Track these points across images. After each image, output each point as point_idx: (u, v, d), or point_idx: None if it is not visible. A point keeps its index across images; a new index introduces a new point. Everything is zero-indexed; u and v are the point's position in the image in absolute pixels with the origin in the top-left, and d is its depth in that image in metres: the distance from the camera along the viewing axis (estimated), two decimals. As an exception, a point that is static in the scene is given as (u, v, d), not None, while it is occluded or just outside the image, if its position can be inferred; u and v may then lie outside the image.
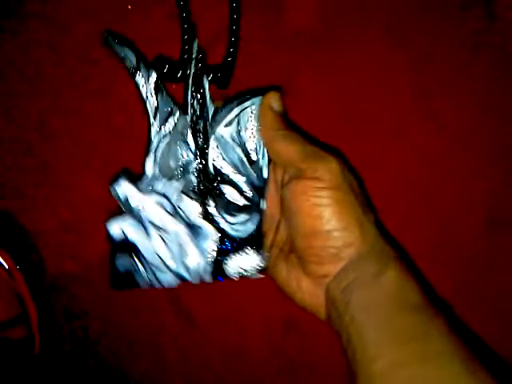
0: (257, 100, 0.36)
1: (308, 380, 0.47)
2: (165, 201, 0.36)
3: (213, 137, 0.36)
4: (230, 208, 0.37)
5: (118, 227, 0.36)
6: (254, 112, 0.36)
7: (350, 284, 0.32)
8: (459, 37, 0.42)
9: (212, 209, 0.37)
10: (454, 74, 0.43)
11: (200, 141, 0.37)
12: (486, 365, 0.29)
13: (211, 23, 0.40)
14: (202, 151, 0.37)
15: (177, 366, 0.47)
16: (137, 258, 0.36)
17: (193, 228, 0.37)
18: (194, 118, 0.36)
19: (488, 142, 0.43)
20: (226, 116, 0.36)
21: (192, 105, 0.36)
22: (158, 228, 0.36)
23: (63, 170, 0.45)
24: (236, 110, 0.36)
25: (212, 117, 0.36)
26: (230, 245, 0.37)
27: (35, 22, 0.43)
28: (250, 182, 0.37)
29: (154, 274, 0.36)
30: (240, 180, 0.37)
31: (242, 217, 0.37)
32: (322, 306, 0.34)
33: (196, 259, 0.37)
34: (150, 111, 0.36)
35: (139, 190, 0.36)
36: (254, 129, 0.36)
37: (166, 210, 0.36)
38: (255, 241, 0.37)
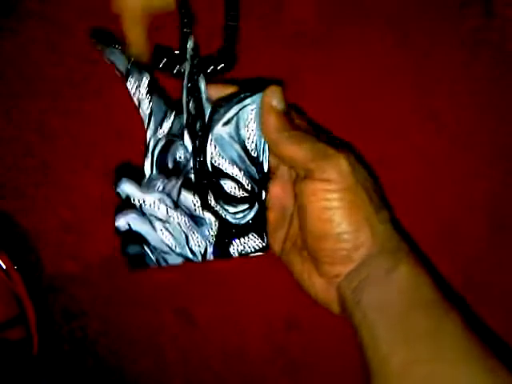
0: (257, 98, 0.35)
1: (309, 380, 0.47)
2: (166, 198, 0.37)
3: (210, 136, 0.36)
4: (230, 199, 0.37)
5: (125, 221, 0.37)
6: (255, 110, 0.36)
7: (361, 282, 0.32)
8: (459, 35, 0.43)
9: (211, 201, 0.37)
10: (453, 73, 0.43)
11: (197, 140, 0.37)
12: (504, 362, 0.29)
13: (211, 19, 0.40)
14: (199, 150, 0.37)
15: (177, 366, 0.47)
16: (146, 245, 0.37)
17: (194, 219, 0.37)
18: (190, 119, 0.36)
19: (488, 142, 0.44)
20: (224, 115, 0.36)
21: (187, 105, 0.36)
22: (161, 221, 0.37)
23: (63, 170, 0.46)
24: (235, 109, 0.36)
25: (210, 116, 0.36)
26: (231, 231, 0.38)
27: (35, 21, 0.44)
28: (249, 176, 0.37)
29: (162, 257, 0.38)
30: (239, 174, 0.37)
31: (242, 206, 0.37)
32: (334, 301, 0.35)
33: (199, 244, 0.37)
34: (144, 114, 0.37)
35: (140, 189, 0.37)
36: (254, 127, 0.36)
37: (168, 206, 0.37)
38: (256, 225, 0.37)
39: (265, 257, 0.44)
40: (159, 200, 0.37)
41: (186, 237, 0.37)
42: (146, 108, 0.37)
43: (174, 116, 0.37)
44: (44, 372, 0.45)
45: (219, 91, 0.36)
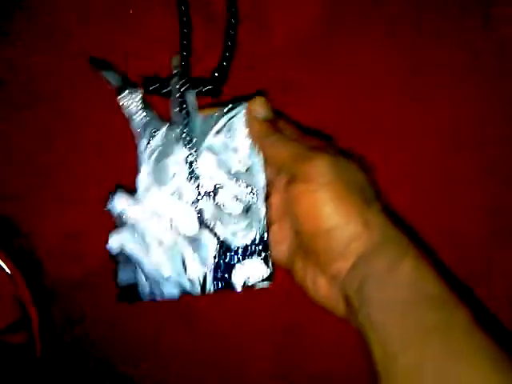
0: (244, 106, 0.36)
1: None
2: (160, 213, 0.36)
3: (202, 147, 0.37)
4: (228, 216, 0.37)
5: (118, 242, 0.36)
6: (242, 119, 0.36)
7: (364, 279, 0.31)
8: (459, 38, 0.43)
9: (209, 219, 0.37)
10: (454, 75, 0.43)
11: (190, 152, 0.37)
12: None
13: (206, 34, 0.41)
14: (192, 162, 0.37)
15: (178, 371, 0.47)
16: (138, 270, 0.36)
17: (191, 239, 0.36)
18: (182, 132, 0.37)
19: (488, 143, 0.43)
20: (214, 126, 0.37)
21: (178, 119, 0.37)
22: (156, 239, 0.36)
23: (65, 175, 0.46)
24: (224, 119, 0.37)
25: (201, 127, 0.37)
26: (232, 254, 0.37)
27: (36, 25, 0.44)
28: (246, 187, 0.37)
29: (158, 286, 0.36)
30: (235, 186, 0.37)
31: (243, 223, 0.37)
32: (338, 303, 0.34)
33: (197, 270, 0.36)
34: (136, 127, 0.37)
35: (134, 203, 0.36)
36: (244, 135, 0.36)
37: (163, 223, 0.36)
38: (259, 247, 0.37)
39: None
40: (153, 215, 0.36)
41: (183, 260, 0.36)
42: (138, 121, 0.37)
43: (166, 129, 0.37)
44: (46, 376, 0.45)
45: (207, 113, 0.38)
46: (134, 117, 0.37)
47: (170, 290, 0.36)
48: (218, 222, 0.37)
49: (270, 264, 0.37)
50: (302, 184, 0.33)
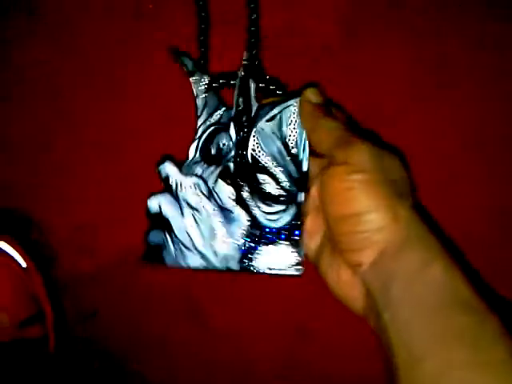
0: (298, 98, 0.38)
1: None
2: (201, 183, 0.38)
3: (254, 129, 0.38)
4: (266, 197, 0.37)
5: (157, 202, 0.38)
6: (296, 109, 0.38)
7: (390, 278, 0.30)
8: (478, 36, 0.43)
9: (246, 195, 0.38)
10: (472, 75, 0.43)
11: (241, 132, 0.39)
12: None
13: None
14: (242, 141, 0.38)
15: (187, 370, 0.47)
16: (168, 234, 0.37)
17: (225, 212, 0.37)
18: (238, 113, 0.39)
19: (492, 143, 0.43)
20: (268, 112, 0.38)
21: (237, 101, 0.39)
22: (191, 207, 0.37)
23: (79, 168, 0.46)
24: (279, 107, 0.38)
25: (255, 111, 0.39)
26: (262, 235, 0.37)
27: (48, 20, 0.45)
28: (288, 174, 0.37)
29: (182, 253, 0.37)
30: (278, 171, 0.38)
31: (277, 207, 0.37)
32: (358, 298, 0.33)
33: (225, 243, 0.37)
34: (199, 105, 0.40)
35: (180, 171, 0.38)
36: (295, 124, 0.38)
37: (202, 192, 0.38)
38: (291, 234, 0.37)
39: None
40: (195, 185, 0.38)
41: (213, 233, 0.37)
42: (201, 99, 0.40)
43: (224, 110, 0.39)
44: (60, 371, 0.45)
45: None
46: (199, 95, 0.40)
47: (195, 261, 0.37)
48: (255, 201, 0.37)
49: (302, 252, 0.36)
50: (338, 166, 0.33)
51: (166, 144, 0.41)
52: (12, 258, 0.43)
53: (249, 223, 0.37)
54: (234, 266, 0.37)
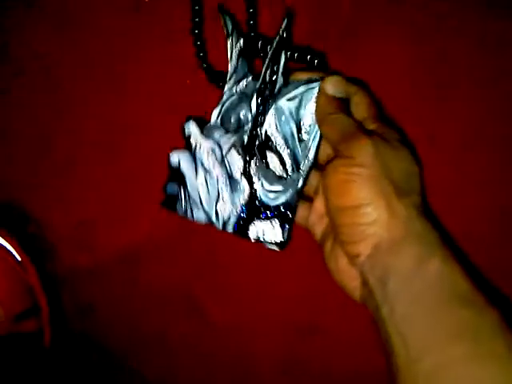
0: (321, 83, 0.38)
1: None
2: (217, 149, 0.40)
3: (273, 106, 0.39)
4: (269, 175, 0.39)
5: (177, 157, 0.41)
6: (315, 94, 0.38)
7: (387, 272, 0.31)
8: (479, 35, 0.42)
9: (253, 169, 0.39)
10: (474, 74, 0.42)
11: (261, 106, 0.39)
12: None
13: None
14: (259, 116, 0.39)
15: (186, 365, 0.47)
16: (183, 188, 0.41)
17: (232, 180, 0.40)
18: (263, 86, 0.39)
19: (500, 143, 0.43)
20: (290, 91, 0.38)
21: (264, 73, 0.39)
22: (204, 169, 0.40)
23: (78, 164, 0.47)
24: (301, 88, 0.38)
25: (279, 87, 0.39)
26: (259, 209, 0.39)
27: (47, 12, 0.45)
28: (293, 158, 0.38)
29: (190, 207, 0.40)
30: (285, 153, 0.39)
31: (277, 187, 0.39)
32: (357, 288, 0.34)
33: (226, 207, 0.40)
34: (229, 69, 0.40)
35: (201, 132, 0.41)
36: (311, 110, 0.38)
37: (216, 156, 0.40)
38: (283, 214, 0.39)
39: (283, 259, 0.44)
40: (211, 149, 0.40)
41: (218, 195, 0.40)
42: (233, 64, 0.40)
43: (251, 79, 0.40)
44: (55, 365, 0.45)
45: (300, 77, 0.39)
46: (232, 59, 0.40)
47: (200, 216, 0.40)
48: (258, 176, 0.39)
49: (287, 233, 0.39)
50: (341, 159, 0.33)
51: (166, 141, 0.41)
52: (7, 251, 0.43)
53: (249, 195, 0.39)
54: (230, 229, 0.40)
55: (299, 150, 0.38)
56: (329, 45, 0.42)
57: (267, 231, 0.39)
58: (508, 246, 0.41)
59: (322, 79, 0.37)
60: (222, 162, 0.40)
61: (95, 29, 0.45)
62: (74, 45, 0.45)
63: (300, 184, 0.38)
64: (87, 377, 0.47)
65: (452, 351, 0.27)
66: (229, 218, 0.40)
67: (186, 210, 0.40)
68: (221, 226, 0.40)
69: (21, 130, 0.45)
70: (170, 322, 0.46)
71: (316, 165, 0.38)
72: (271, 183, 0.39)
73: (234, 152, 0.40)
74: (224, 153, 0.40)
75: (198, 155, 0.40)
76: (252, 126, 0.39)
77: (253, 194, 0.39)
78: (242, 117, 0.40)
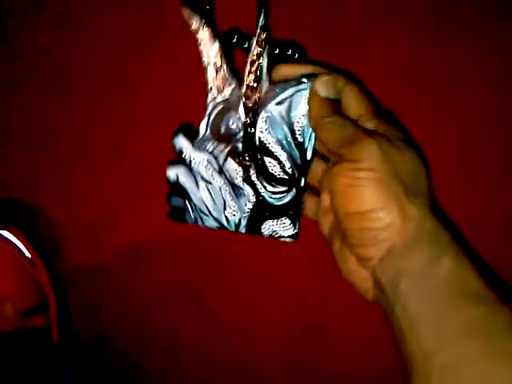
0: (311, 83, 0.36)
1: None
2: (213, 160, 0.40)
3: (263, 111, 0.38)
4: (270, 177, 0.39)
5: (174, 172, 0.40)
6: (306, 95, 0.37)
7: (400, 272, 0.31)
8: (488, 36, 0.41)
9: (253, 175, 0.39)
10: (483, 73, 0.41)
11: (250, 113, 0.38)
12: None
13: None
14: (250, 123, 0.39)
15: (192, 364, 0.47)
16: (187, 200, 0.41)
17: (235, 187, 0.40)
18: (248, 92, 0.38)
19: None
20: (279, 94, 0.37)
21: (248, 79, 0.38)
22: (204, 180, 0.40)
23: (89, 164, 0.46)
24: (290, 91, 0.37)
25: (265, 92, 0.38)
26: (265, 209, 0.40)
27: (63, 13, 0.44)
28: (291, 160, 0.38)
29: (200, 216, 0.41)
30: (283, 156, 0.38)
31: (280, 188, 0.39)
32: (369, 288, 0.34)
33: (234, 213, 0.40)
34: (209, 76, 0.39)
35: (193, 145, 0.40)
36: (304, 111, 0.37)
37: (213, 168, 0.40)
38: (290, 213, 0.39)
39: (289, 259, 0.43)
40: (207, 160, 0.40)
41: (224, 203, 0.40)
42: (211, 71, 0.38)
43: (235, 85, 0.39)
44: (63, 362, 0.45)
45: (285, 71, 0.38)
46: (209, 67, 0.38)
47: (211, 223, 0.41)
48: (261, 181, 0.39)
49: (298, 225, 0.40)
50: (347, 163, 0.32)
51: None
52: (17, 248, 0.44)
53: (255, 199, 0.39)
54: (243, 230, 0.40)
55: (296, 151, 0.38)
56: (333, 47, 0.42)
57: (279, 228, 0.40)
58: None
59: (309, 80, 0.36)
60: (221, 171, 0.39)
61: (101, 27, 0.44)
62: (79, 43, 0.44)
63: (302, 183, 0.38)
64: (94, 374, 0.47)
65: (464, 349, 0.27)
66: (239, 222, 0.40)
67: (195, 219, 0.40)
68: (234, 228, 0.40)
69: (30, 129, 0.45)
70: (176, 321, 0.46)
71: (315, 154, 0.38)
72: (274, 185, 0.39)
73: (230, 161, 0.39)
74: (221, 163, 0.39)
75: (194, 168, 0.40)
76: (244, 133, 0.39)
77: (258, 197, 0.39)
78: (231, 126, 0.39)
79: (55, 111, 0.45)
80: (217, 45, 0.38)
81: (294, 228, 0.39)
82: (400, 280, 0.30)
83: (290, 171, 0.38)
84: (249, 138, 0.39)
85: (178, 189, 0.40)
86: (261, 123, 0.38)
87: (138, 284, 0.46)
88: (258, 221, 0.40)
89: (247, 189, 0.39)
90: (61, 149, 0.45)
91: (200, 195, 0.40)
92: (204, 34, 0.37)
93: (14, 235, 0.44)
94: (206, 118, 0.39)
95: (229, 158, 0.39)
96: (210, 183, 0.40)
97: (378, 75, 0.42)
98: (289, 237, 0.39)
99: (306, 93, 0.36)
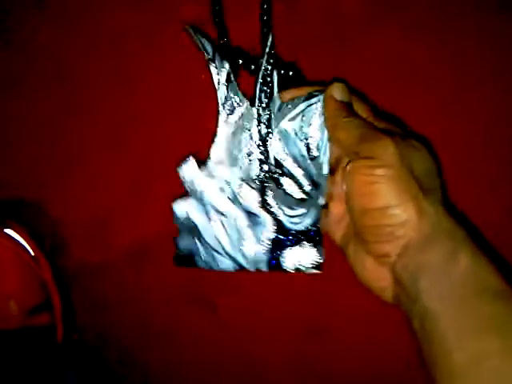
0: (322, 97, 0.36)
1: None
2: (226, 187, 0.38)
3: (276, 130, 0.38)
4: (288, 200, 0.38)
5: (183, 208, 0.38)
6: (319, 109, 0.37)
7: (418, 270, 0.31)
8: (491, 31, 0.41)
9: (270, 199, 0.38)
10: (485, 68, 0.41)
11: (263, 132, 0.38)
12: None
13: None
14: (264, 143, 0.38)
15: (195, 361, 0.48)
16: (198, 239, 0.38)
17: (251, 215, 0.38)
18: (260, 110, 0.38)
19: None
20: (291, 110, 0.37)
21: (260, 97, 0.38)
22: (218, 212, 0.38)
23: (94, 161, 0.45)
24: (302, 106, 0.37)
25: (277, 110, 0.38)
26: (286, 237, 0.38)
27: (65, 9, 0.44)
28: (309, 177, 0.38)
29: (213, 257, 0.38)
30: (299, 174, 0.38)
31: (300, 210, 0.38)
32: (387, 287, 0.34)
33: (252, 246, 0.38)
34: (219, 100, 0.38)
35: (204, 173, 0.38)
36: (318, 125, 0.37)
37: (227, 196, 0.38)
38: (312, 236, 0.38)
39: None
40: (220, 189, 0.38)
41: (240, 237, 0.38)
42: (221, 93, 0.38)
43: (246, 106, 0.38)
44: (67, 360, 0.46)
45: (292, 94, 0.38)
46: (219, 88, 0.38)
47: (226, 264, 0.39)
48: (278, 204, 0.38)
49: (322, 252, 0.38)
50: (362, 160, 0.32)
51: (179, 136, 0.41)
52: (21, 245, 0.43)
53: (274, 226, 0.38)
54: (264, 267, 0.38)
55: (312, 167, 0.37)
56: (334, 46, 0.42)
57: (302, 257, 0.38)
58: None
59: (320, 94, 0.36)
60: (235, 199, 0.38)
61: (101, 27, 0.43)
62: (79, 43, 0.44)
63: (321, 201, 0.37)
64: (97, 372, 0.48)
65: (484, 347, 0.27)
66: (259, 257, 0.38)
67: (208, 262, 0.38)
68: (254, 268, 0.38)
69: (32, 128, 0.45)
70: (178, 319, 0.46)
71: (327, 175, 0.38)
72: (293, 208, 0.38)
73: (245, 186, 0.38)
74: (235, 189, 0.38)
75: (205, 199, 0.38)
76: (259, 154, 0.38)
77: (277, 224, 0.38)
78: (245, 148, 0.38)
79: (56, 110, 0.44)
80: (227, 65, 0.38)
81: (319, 255, 0.38)
82: (420, 276, 0.30)
83: (308, 190, 0.38)
84: (264, 158, 0.38)
85: (187, 227, 0.38)
86: (275, 143, 0.38)
87: (141, 282, 0.46)
88: (278, 253, 0.38)
89: (264, 215, 0.38)
90: (63, 147, 0.45)
91: (212, 229, 0.38)
92: (215, 62, 0.38)
93: (18, 233, 0.43)
94: (216, 142, 0.38)
95: (243, 184, 0.38)
96: (224, 215, 0.38)
97: (379, 73, 0.42)
98: (315, 267, 0.38)
99: (318, 106, 0.36)
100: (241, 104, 0.38)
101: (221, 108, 0.38)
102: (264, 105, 0.37)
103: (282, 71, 0.38)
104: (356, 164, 0.33)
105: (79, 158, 0.45)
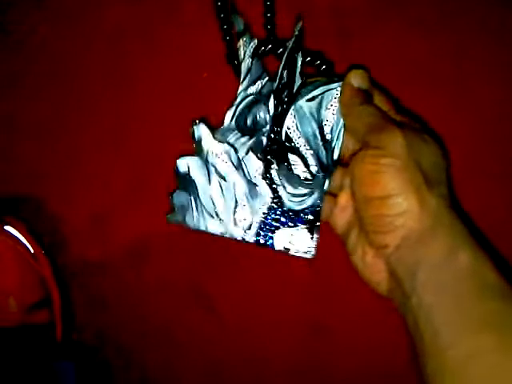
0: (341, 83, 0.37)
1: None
2: (232, 152, 0.38)
3: (293, 107, 0.38)
4: (292, 177, 0.38)
5: (186, 164, 0.38)
6: (337, 94, 0.37)
7: (417, 264, 0.31)
8: (496, 26, 0.42)
9: (274, 172, 0.38)
10: (490, 63, 0.42)
11: (280, 107, 0.38)
12: None
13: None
14: (279, 117, 0.38)
15: (196, 360, 0.47)
16: (193, 197, 0.38)
17: (251, 185, 0.38)
18: (280, 86, 0.38)
19: None
20: (310, 91, 0.38)
21: (282, 74, 0.38)
22: (219, 175, 0.38)
23: (94, 158, 0.45)
24: (321, 88, 0.37)
25: (298, 88, 0.38)
26: (282, 215, 0.38)
27: (65, 6, 0.45)
28: (317, 159, 0.38)
29: (204, 218, 0.38)
30: (308, 154, 0.38)
31: (302, 191, 0.38)
32: (382, 280, 0.34)
33: (246, 216, 0.38)
34: (243, 70, 0.39)
35: (214, 136, 0.38)
36: (334, 110, 0.37)
37: (231, 161, 0.38)
38: (310, 220, 0.38)
39: (293, 258, 0.43)
40: (226, 152, 0.38)
41: (236, 203, 0.38)
42: (246, 65, 0.39)
43: (267, 80, 0.39)
44: (66, 357, 0.45)
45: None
46: (244, 60, 0.39)
47: (214, 227, 0.38)
48: (281, 180, 0.38)
49: (315, 238, 0.37)
50: (370, 149, 0.33)
51: (180, 133, 0.41)
52: (20, 242, 0.43)
53: (272, 201, 0.38)
54: (251, 238, 0.38)
55: (323, 150, 0.37)
56: (339, 41, 0.43)
57: (294, 240, 0.38)
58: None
59: (341, 79, 0.37)
60: (239, 166, 0.38)
61: (101, 18, 0.44)
62: (80, 34, 0.44)
63: (326, 185, 0.37)
64: (96, 370, 0.47)
65: (480, 342, 0.27)
66: (249, 227, 0.38)
67: (198, 222, 0.38)
68: (240, 237, 0.38)
69: (32, 122, 0.44)
70: (179, 317, 0.46)
71: (339, 161, 0.38)
72: (295, 187, 0.38)
73: (252, 155, 0.38)
74: (241, 156, 0.38)
75: (210, 160, 0.38)
76: (271, 127, 0.38)
77: (276, 199, 0.38)
78: (258, 118, 0.38)
79: (56, 107, 0.44)
80: (256, 40, 0.39)
81: (312, 239, 0.37)
82: (417, 269, 0.30)
83: (314, 171, 0.37)
84: (275, 132, 0.38)
85: (185, 183, 0.38)
86: (289, 119, 0.38)
87: (141, 280, 0.45)
88: (270, 229, 0.37)
89: (264, 188, 0.37)
90: (63, 144, 0.45)
91: (210, 192, 0.38)
92: (245, 36, 0.39)
93: (18, 230, 0.43)
94: (233, 108, 0.39)
95: (250, 152, 0.38)
96: (224, 179, 0.38)
97: (382, 69, 0.42)
98: (305, 252, 0.37)
99: (337, 91, 0.37)
100: (262, 77, 0.39)
101: (242, 77, 0.39)
102: (285, 79, 0.38)
103: (309, 58, 0.39)
104: (364, 153, 0.33)
105: (79, 155, 0.45)
